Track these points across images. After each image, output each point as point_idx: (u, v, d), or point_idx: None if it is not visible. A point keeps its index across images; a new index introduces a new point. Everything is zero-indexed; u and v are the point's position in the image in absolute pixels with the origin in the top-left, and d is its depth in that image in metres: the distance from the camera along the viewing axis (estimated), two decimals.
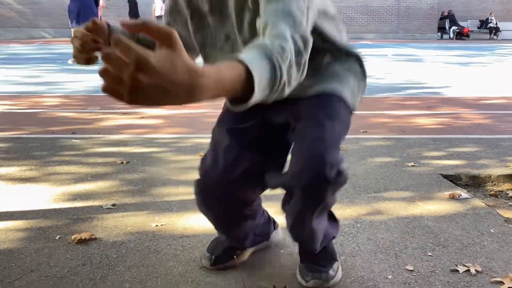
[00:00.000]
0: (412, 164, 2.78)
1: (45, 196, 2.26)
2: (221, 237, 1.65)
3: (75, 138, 3.37)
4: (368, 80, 6.81)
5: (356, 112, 4.40)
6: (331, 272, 1.49)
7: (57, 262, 1.65)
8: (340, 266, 1.56)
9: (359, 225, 1.96)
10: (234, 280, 1.53)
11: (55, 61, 9.50)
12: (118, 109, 4.48)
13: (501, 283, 1.51)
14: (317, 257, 1.51)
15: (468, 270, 1.59)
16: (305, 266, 1.51)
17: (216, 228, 1.55)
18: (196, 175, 2.58)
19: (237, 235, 1.55)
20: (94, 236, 1.83)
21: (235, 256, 1.62)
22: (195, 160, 2.85)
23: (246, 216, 1.50)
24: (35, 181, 2.48)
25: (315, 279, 1.46)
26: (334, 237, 1.55)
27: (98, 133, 3.53)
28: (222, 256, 1.60)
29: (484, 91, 5.79)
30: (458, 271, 1.59)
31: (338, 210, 2.09)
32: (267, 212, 1.68)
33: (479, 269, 1.59)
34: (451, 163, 2.80)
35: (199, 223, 1.96)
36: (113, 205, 2.16)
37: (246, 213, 1.50)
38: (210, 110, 4.47)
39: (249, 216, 1.51)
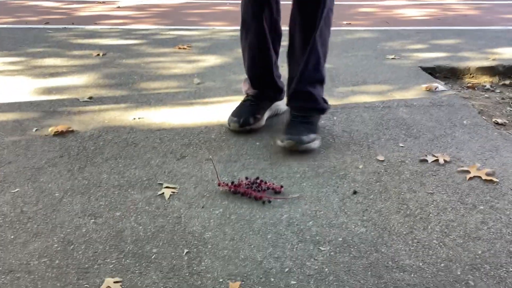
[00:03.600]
0: (393, 56, 2.76)
1: (20, 88, 2.23)
2: (245, 103, 1.88)
3: (49, 29, 3.25)
4: None
5: (342, 2, 4.27)
6: (305, 137, 1.67)
7: (34, 153, 1.67)
8: (319, 140, 1.73)
9: (335, 118, 1.98)
10: (209, 171, 1.57)
11: None
12: None
13: (467, 172, 1.56)
14: (299, 128, 1.70)
15: (437, 160, 1.64)
16: (285, 132, 1.70)
17: (252, 75, 1.85)
18: (175, 69, 2.54)
19: (267, 81, 1.84)
20: (72, 129, 1.84)
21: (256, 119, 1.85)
22: (174, 52, 2.80)
23: (272, 57, 1.80)
24: (9, 73, 2.43)
25: (290, 140, 1.66)
26: (324, 110, 1.79)
27: (73, 24, 3.40)
28: (248, 118, 1.82)
29: None
30: (427, 160, 1.64)
31: None
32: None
33: (448, 159, 1.64)
34: (432, 56, 2.78)
35: (176, 117, 1.97)
36: (90, 98, 2.14)
37: (272, 54, 1.80)
38: (191, 0, 4.30)
39: (274, 60, 1.82)
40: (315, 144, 1.71)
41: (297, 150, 1.68)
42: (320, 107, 1.78)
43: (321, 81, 1.76)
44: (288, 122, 1.76)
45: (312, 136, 1.70)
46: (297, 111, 1.77)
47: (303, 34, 1.67)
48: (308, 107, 1.76)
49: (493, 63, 2.64)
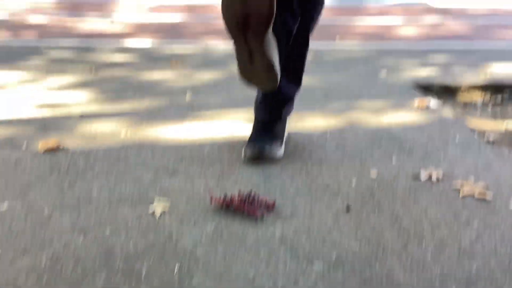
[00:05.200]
0: (385, 73, 2.77)
1: (11, 104, 2.21)
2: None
3: (42, 43, 3.25)
4: None
5: (335, 19, 4.31)
6: (267, 147, 1.70)
7: (24, 169, 1.65)
8: (282, 148, 1.76)
9: (328, 134, 1.97)
10: (201, 187, 1.56)
11: None
12: (88, 13, 4.30)
13: (461, 188, 1.56)
14: (263, 135, 1.73)
15: (430, 176, 1.63)
16: (248, 144, 1.71)
17: None
18: (168, 85, 2.54)
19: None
20: (62, 145, 1.82)
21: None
22: (167, 68, 2.80)
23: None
24: (1, 88, 2.41)
25: (251, 149, 1.68)
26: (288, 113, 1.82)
27: (67, 39, 3.40)
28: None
29: (469, 2, 5.68)
30: (420, 177, 1.63)
31: (309, 120, 2.10)
32: None
33: (441, 175, 1.64)
34: (425, 73, 2.80)
35: (169, 132, 1.96)
36: (82, 113, 2.13)
37: None
38: (186, 17, 4.32)
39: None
40: (280, 151, 1.74)
41: (261, 160, 1.69)
42: (286, 111, 1.82)
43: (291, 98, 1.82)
44: (251, 131, 1.80)
45: (277, 143, 1.74)
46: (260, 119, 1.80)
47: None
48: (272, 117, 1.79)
49: (485, 81, 2.66)
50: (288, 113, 1.84)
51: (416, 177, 1.63)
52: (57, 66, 2.80)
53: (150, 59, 2.99)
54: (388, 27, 4.09)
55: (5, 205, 1.44)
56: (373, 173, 1.66)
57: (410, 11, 4.88)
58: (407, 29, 4.02)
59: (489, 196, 1.51)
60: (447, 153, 1.82)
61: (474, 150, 1.84)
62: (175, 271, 1.17)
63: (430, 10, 4.98)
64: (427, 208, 1.45)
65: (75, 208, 1.43)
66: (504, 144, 1.96)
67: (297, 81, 1.79)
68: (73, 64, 2.83)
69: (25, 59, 2.91)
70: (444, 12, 4.87)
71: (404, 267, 1.19)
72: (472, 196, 1.52)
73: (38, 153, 1.76)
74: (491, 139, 1.98)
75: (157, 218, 1.39)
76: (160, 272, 1.16)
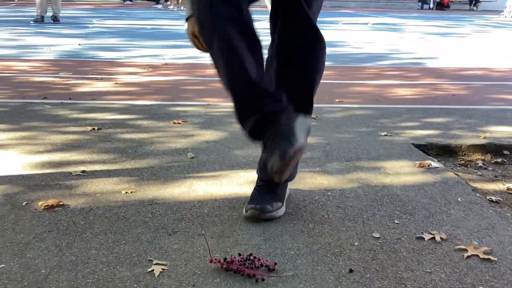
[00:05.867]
0: (385, 133, 2.79)
1: (13, 162, 2.22)
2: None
3: (46, 104, 3.30)
4: (348, 50, 6.78)
5: (334, 81, 4.39)
6: (268, 207, 1.69)
7: (22, 228, 1.63)
8: (283, 208, 1.76)
9: (329, 193, 1.97)
10: (201, 247, 1.53)
11: (29, 23, 9.22)
12: (92, 74, 4.39)
13: (465, 250, 1.53)
14: (265, 195, 1.73)
15: (434, 238, 1.61)
16: (249, 203, 1.72)
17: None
18: (169, 144, 2.55)
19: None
20: (62, 203, 1.81)
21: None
22: (168, 127, 2.82)
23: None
24: (3, 146, 2.43)
25: (252, 210, 1.68)
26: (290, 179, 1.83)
27: (70, 99, 3.46)
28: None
29: (463, 62, 5.82)
30: (423, 238, 1.61)
31: (310, 179, 2.10)
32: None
33: (444, 236, 1.62)
34: (424, 133, 2.82)
35: (169, 191, 1.95)
36: (83, 171, 2.13)
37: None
38: (187, 77, 4.41)
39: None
40: (280, 212, 1.74)
41: (262, 219, 1.69)
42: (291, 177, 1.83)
43: None
44: (252, 191, 1.80)
45: (277, 205, 1.74)
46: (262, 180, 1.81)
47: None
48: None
49: (485, 141, 2.68)
50: (293, 175, 1.85)
51: (420, 238, 1.61)
52: (60, 125, 2.83)
53: (152, 118, 3.02)
54: (385, 88, 4.16)
55: (1, 265, 1.41)
56: (376, 234, 1.64)
57: (405, 72, 4.99)
58: (404, 90, 4.10)
59: (493, 258, 1.49)
60: (449, 214, 1.80)
61: (476, 211, 1.83)
62: None
63: (426, 70, 5.09)
64: (431, 271, 1.42)
65: (72, 269, 1.40)
66: (506, 205, 1.95)
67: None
68: (76, 124, 2.86)
69: (28, 119, 2.95)
70: (442, 71, 4.98)
71: None
72: (477, 258, 1.49)
73: (37, 211, 1.75)
74: (493, 199, 1.97)
75: (155, 279, 1.36)
76: None
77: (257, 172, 1.85)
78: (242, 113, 1.52)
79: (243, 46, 1.44)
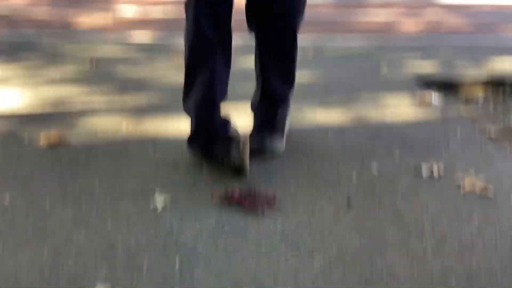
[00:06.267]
0: (387, 68, 2.76)
1: (12, 99, 2.21)
2: None
3: (43, 38, 3.24)
4: None
5: (335, 14, 4.30)
6: (268, 142, 1.69)
7: (25, 164, 1.65)
8: (283, 143, 1.74)
9: (329, 129, 1.97)
10: (203, 181, 1.56)
11: None
12: (89, 3, 4.29)
13: (462, 184, 1.56)
14: (263, 130, 1.73)
15: (431, 171, 1.63)
16: (251, 136, 1.70)
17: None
18: (169, 79, 2.53)
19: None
20: (64, 139, 1.82)
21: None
22: (168, 62, 2.79)
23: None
24: (2, 82, 2.41)
25: (252, 144, 1.61)
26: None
27: (68, 32, 3.40)
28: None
29: None
30: (421, 172, 1.63)
31: (310, 115, 2.10)
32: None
33: (442, 170, 1.64)
34: (427, 68, 2.79)
35: (170, 126, 1.96)
36: (83, 107, 2.13)
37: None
38: None
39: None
40: (282, 145, 1.74)
41: (262, 153, 1.69)
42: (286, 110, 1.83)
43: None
44: (252, 126, 1.80)
45: (278, 136, 1.74)
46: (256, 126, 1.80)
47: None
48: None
49: (487, 76, 2.65)
50: (285, 113, 1.84)
51: (418, 172, 1.63)
52: (57, 61, 2.80)
53: (151, 53, 2.98)
54: (389, 22, 4.08)
55: (7, 198, 1.44)
56: (374, 168, 1.66)
57: (413, 5, 4.87)
58: (408, 24, 4.01)
59: (490, 191, 1.51)
60: (448, 148, 1.82)
61: (475, 146, 1.84)
62: (176, 265, 1.17)
63: (433, 5, 4.96)
64: (428, 203, 1.45)
65: (76, 202, 1.43)
66: (505, 140, 1.95)
67: (288, 80, 1.79)
68: (73, 59, 2.83)
69: (26, 53, 2.91)
70: (447, 7, 4.86)
71: (404, 262, 1.19)
72: (473, 191, 1.52)
73: (39, 147, 1.76)
74: (492, 135, 1.98)
75: (158, 212, 1.39)
76: (161, 267, 1.17)
77: (252, 109, 1.85)
78: (197, 139, 1.66)
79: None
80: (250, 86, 1.87)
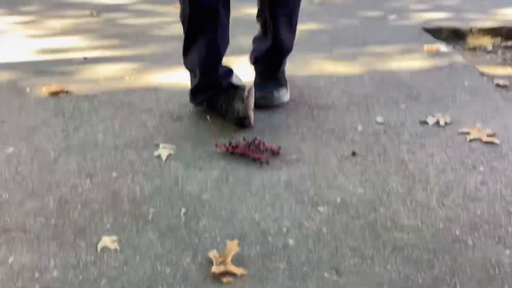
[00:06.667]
0: (394, 17, 2.70)
1: (13, 48, 2.18)
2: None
3: None
4: None
5: None
6: (274, 92, 1.68)
7: (28, 113, 1.64)
8: (288, 94, 1.73)
9: (334, 79, 1.94)
10: (206, 132, 1.55)
11: None
12: None
13: (468, 133, 1.54)
14: (269, 81, 1.71)
15: (437, 122, 1.62)
16: (256, 86, 1.64)
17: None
18: (171, 29, 2.48)
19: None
20: (66, 89, 1.81)
21: None
22: (168, 11, 2.73)
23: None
24: (2, 32, 2.37)
25: (257, 94, 1.60)
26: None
27: None
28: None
29: None
30: (427, 122, 1.62)
31: (315, 65, 2.07)
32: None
33: (448, 120, 1.62)
34: (434, 16, 2.73)
35: (173, 77, 1.93)
36: (84, 58, 2.10)
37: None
38: None
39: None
40: (286, 97, 1.73)
41: (269, 106, 1.68)
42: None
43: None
44: (255, 78, 1.78)
45: (282, 89, 1.72)
46: (259, 79, 1.77)
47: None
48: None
49: (496, 24, 2.59)
50: (285, 63, 1.82)
51: (423, 122, 1.62)
52: (58, 10, 2.74)
53: (152, 2, 2.92)
54: None
55: (11, 148, 1.44)
56: (380, 118, 1.64)
57: None
58: None
59: (496, 140, 1.50)
60: (455, 98, 1.79)
61: (482, 95, 1.82)
62: (182, 214, 1.18)
63: None
64: (433, 153, 1.44)
65: (81, 152, 1.43)
66: None
67: (294, 29, 1.75)
68: (74, 8, 2.77)
69: (27, 3, 2.85)
70: None
71: (408, 211, 1.20)
72: (479, 141, 1.50)
73: (42, 97, 1.75)
74: (500, 83, 1.95)
75: (162, 162, 1.39)
76: (167, 215, 1.18)
77: (251, 63, 1.82)
78: (201, 92, 1.63)
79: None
80: (250, 36, 1.83)
